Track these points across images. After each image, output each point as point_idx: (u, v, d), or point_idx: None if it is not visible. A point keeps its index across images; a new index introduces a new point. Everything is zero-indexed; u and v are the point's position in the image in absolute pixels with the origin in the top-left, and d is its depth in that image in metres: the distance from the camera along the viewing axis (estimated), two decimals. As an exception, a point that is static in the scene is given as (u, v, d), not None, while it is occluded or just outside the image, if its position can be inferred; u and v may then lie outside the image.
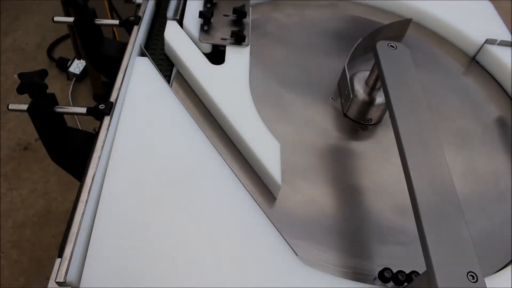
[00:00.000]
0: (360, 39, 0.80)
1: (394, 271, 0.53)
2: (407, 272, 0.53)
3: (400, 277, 0.52)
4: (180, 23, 0.79)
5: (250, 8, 0.82)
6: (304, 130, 0.71)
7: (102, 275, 0.49)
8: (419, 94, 0.60)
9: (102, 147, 0.59)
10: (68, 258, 0.49)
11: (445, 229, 0.47)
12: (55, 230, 1.51)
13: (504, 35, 0.89)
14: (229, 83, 0.70)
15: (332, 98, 0.77)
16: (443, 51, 0.91)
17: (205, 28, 0.77)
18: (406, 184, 0.52)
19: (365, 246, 0.60)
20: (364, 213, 0.63)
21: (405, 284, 0.53)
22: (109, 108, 0.63)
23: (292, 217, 0.60)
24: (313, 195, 0.63)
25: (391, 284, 0.53)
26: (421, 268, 0.46)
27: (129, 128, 0.63)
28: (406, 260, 0.59)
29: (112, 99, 0.65)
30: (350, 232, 0.61)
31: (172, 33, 0.76)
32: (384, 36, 0.87)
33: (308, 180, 0.65)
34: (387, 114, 0.73)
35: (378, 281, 0.54)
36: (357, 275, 0.56)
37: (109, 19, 1.29)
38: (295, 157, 0.67)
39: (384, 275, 0.53)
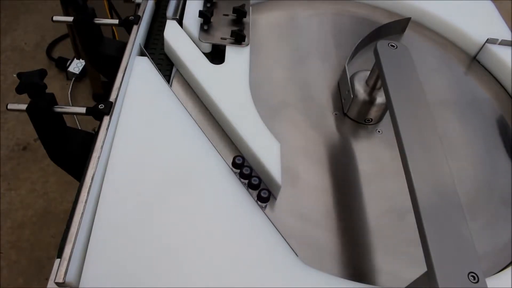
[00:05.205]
0: (360, 39, 0.80)
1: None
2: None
3: (245, 171, 0.57)
4: (180, 22, 0.79)
5: (250, 8, 0.81)
6: (305, 132, 0.71)
7: (101, 276, 0.49)
8: (419, 94, 0.60)
9: (102, 147, 0.59)
10: (67, 258, 0.48)
11: (446, 229, 0.47)
12: (54, 230, 1.50)
13: (505, 35, 0.89)
14: (229, 83, 0.70)
15: (338, 84, 0.78)
16: (444, 51, 0.91)
17: (205, 27, 0.77)
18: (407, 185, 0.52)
19: (365, 246, 0.59)
20: (365, 213, 0.63)
21: (247, 184, 0.57)
22: (109, 108, 0.63)
23: (292, 217, 0.60)
24: (313, 195, 0.63)
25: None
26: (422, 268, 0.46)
27: (128, 128, 0.63)
28: (407, 261, 0.59)
29: (112, 99, 0.65)
30: (350, 232, 0.60)
31: (172, 33, 0.76)
32: (384, 35, 0.87)
33: (308, 180, 0.65)
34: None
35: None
36: (357, 275, 0.56)
37: (108, 18, 1.28)
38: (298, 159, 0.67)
39: (235, 161, 0.59)
